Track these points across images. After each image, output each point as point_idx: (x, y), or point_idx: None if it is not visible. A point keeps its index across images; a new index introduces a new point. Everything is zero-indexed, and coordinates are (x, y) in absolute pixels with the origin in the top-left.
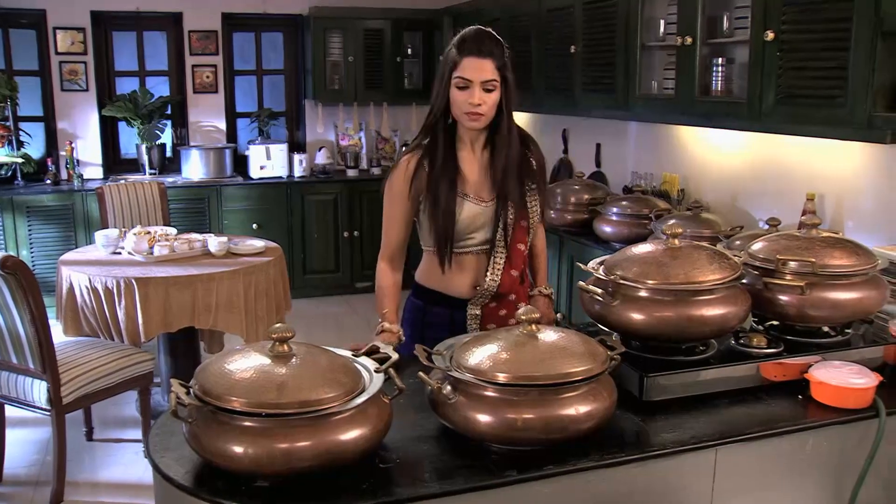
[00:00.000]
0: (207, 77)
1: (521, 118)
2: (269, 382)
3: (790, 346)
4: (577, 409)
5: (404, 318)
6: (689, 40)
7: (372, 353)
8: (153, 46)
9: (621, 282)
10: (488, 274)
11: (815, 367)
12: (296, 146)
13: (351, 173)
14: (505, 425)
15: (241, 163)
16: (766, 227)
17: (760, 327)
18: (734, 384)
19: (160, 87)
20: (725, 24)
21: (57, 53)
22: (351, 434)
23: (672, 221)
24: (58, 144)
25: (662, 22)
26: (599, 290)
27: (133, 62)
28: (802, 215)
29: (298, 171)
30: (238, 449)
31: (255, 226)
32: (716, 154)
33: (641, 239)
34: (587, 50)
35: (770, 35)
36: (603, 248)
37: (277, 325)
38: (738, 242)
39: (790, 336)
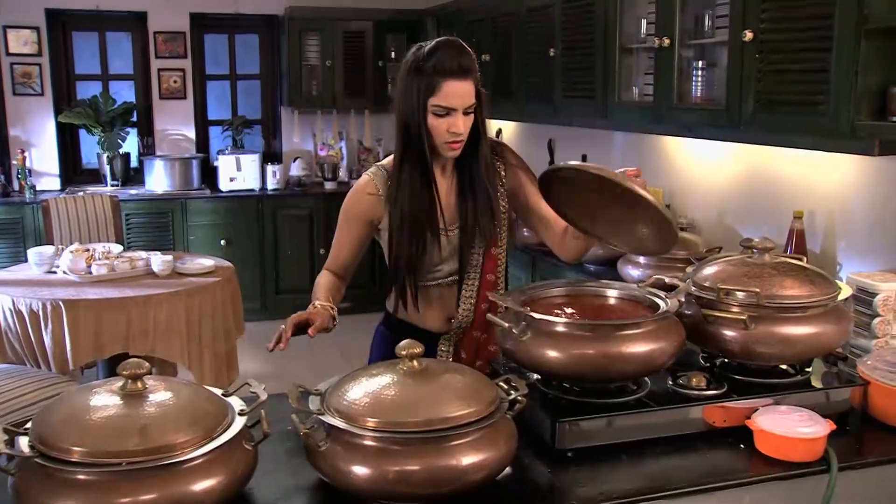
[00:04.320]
0: (175, 82)
1: (507, 127)
2: (128, 425)
3: (737, 386)
4: (462, 459)
5: (372, 348)
6: (666, 42)
7: (303, 327)
8: (117, 48)
9: (531, 314)
10: (460, 309)
11: (758, 414)
12: (272, 156)
13: (329, 186)
14: (382, 478)
15: (212, 174)
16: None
17: (706, 364)
18: (665, 431)
19: (126, 93)
20: (707, 24)
21: (8, 54)
22: (204, 484)
23: None
24: (9, 153)
25: (644, 22)
26: (506, 324)
27: (96, 65)
28: (789, 235)
29: (272, 184)
30: None
31: (223, 242)
32: (702, 166)
33: (616, 260)
34: (566, 52)
35: (748, 35)
36: (576, 269)
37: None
38: None
39: (740, 375)
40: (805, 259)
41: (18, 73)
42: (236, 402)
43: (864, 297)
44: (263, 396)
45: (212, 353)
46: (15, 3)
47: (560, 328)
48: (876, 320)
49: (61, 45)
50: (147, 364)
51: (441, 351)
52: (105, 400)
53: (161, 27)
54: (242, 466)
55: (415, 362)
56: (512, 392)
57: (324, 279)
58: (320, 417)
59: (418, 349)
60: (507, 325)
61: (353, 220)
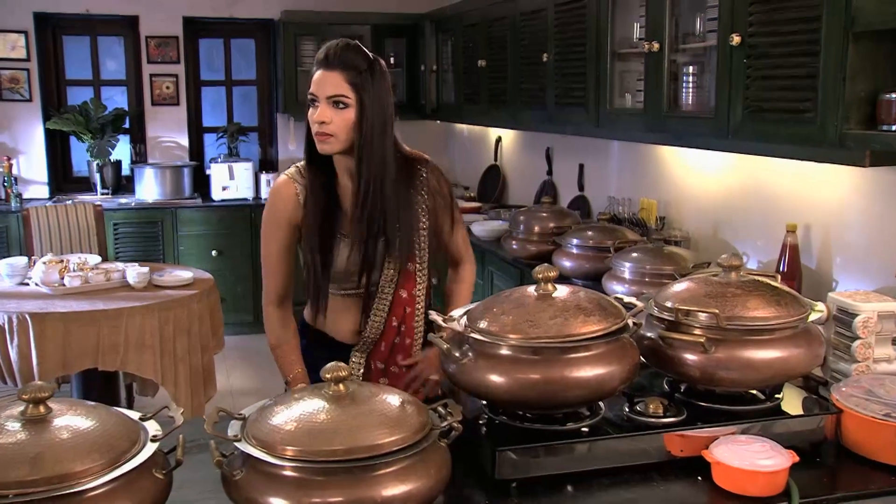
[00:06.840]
0: (167, 88)
1: (505, 135)
2: (21, 453)
3: (698, 413)
4: (386, 490)
5: None
6: (655, 46)
7: None
8: (110, 53)
9: (471, 335)
10: (369, 322)
11: (716, 444)
12: (268, 164)
13: None
14: None
15: (205, 183)
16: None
17: (670, 389)
18: (617, 461)
19: (119, 98)
20: (698, 28)
21: None
22: None
23: (634, 257)
24: None
25: (636, 26)
26: (445, 346)
27: (87, 70)
28: (783, 250)
29: (266, 193)
30: None
31: (214, 252)
32: (699, 177)
33: (602, 275)
34: (559, 58)
35: (736, 39)
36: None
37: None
38: None
39: (706, 401)
40: (779, 278)
41: (6, 78)
42: (152, 427)
43: (844, 318)
44: (179, 421)
45: (187, 368)
46: (2, 7)
47: (503, 350)
48: (856, 343)
49: (51, 49)
50: (51, 387)
51: (353, 362)
52: (2, 426)
53: (153, 31)
54: (151, 496)
55: (340, 386)
56: (447, 418)
57: (282, 332)
58: (236, 444)
59: (344, 372)
60: (446, 346)
61: (282, 224)
